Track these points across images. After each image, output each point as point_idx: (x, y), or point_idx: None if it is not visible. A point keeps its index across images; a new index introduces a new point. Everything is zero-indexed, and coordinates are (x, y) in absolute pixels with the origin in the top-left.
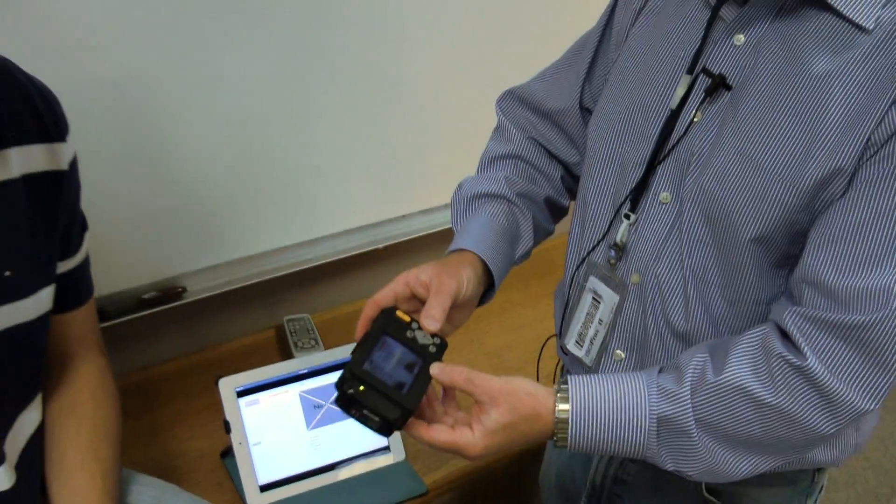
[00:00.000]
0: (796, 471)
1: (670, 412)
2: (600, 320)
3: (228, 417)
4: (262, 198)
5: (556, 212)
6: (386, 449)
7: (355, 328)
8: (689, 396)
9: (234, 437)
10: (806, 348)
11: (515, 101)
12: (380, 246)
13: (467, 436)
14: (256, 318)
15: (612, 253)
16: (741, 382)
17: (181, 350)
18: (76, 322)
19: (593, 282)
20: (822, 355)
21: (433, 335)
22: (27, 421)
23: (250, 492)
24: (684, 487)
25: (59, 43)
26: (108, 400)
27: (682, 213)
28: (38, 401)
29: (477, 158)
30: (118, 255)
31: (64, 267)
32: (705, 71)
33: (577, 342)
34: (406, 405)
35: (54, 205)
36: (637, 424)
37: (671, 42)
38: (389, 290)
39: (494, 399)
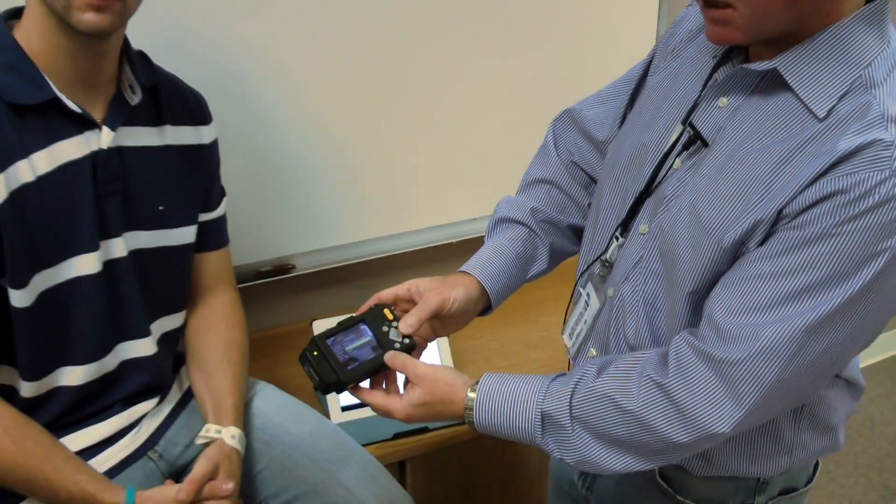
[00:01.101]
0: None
1: (551, 409)
2: (585, 321)
3: None
4: (362, 194)
5: (581, 234)
6: None
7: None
8: (568, 397)
9: None
10: (673, 370)
11: (570, 123)
12: (452, 241)
13: (395, 402)
14: (351, 296)
15: (603, 267)
16: (608, 391)
17: (288, 318)
18: (214, 261)
19: (589, 287)
20: (689, 379)
21: (405, 336)
22: (171, 321)
23: (334, 410)
24: (643, 473)
25: (198, 42)
26: (237, 324)
27: (647, 247)
28: (181, 314)
29: None
30: (243, 235)
31: (205, 217)
32: (690, 125)
33: (569, 335)
34: (341, 377)
35: (197, 169)
36: (525, 417)
37: (678, 90)
38: (393, 291)
39: (419, 381)
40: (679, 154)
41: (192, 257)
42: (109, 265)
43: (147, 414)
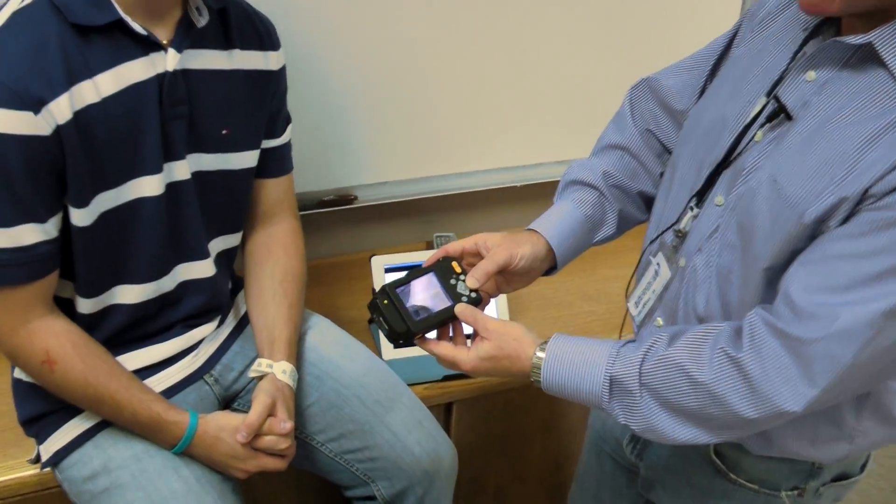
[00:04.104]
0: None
1: (620, 374)
2: (654, 290)
3: (376, 286)
4: (429, 129)
5: (650, 203)
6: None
7: None
8: (638, 363)
9: None
10: (748, 345)
11: (648, 91)
12: (517, 184)
13: (462, 353)
14: (411, 231)
15: (675, 237)
16: (680, 361)
17: (348, 247)
18: (277, 188)
19: (659, 257)
20: (763, 355)
21: (471, 290)
22: (228, 240)
23: (386, 346)
24: (698, 447)
25: None
26: (296, 253)
27: (723, 218)
28: (238, 235)
29: None
30: (308, 163)
31: (269, 144)
32: (775, 97)
33: (635, 303)
34: (411, 327)
35: (264, 95)
36: (593, 379)
37: (764, 62)
38: (460, 244)
39: (489, 335)
40: (762, 126)
41: (251, 181)
42: (172, 187)
43: (206, 338)
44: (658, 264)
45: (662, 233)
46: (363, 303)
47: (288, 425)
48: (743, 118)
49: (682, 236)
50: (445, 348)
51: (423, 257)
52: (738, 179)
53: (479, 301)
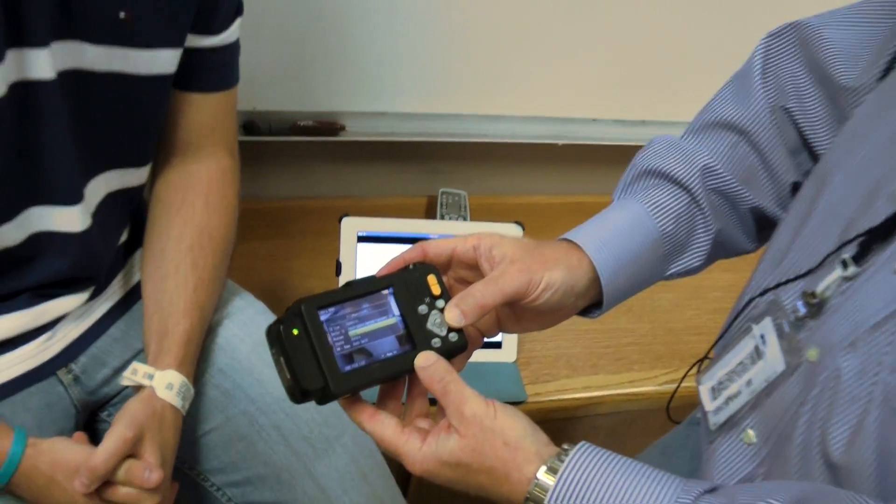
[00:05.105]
0: None
1: None
2: (749, 382)
3: (342, 258)
4: (445, 54)
5: (767, 225)
6: (497, 345)
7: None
8: None
9: (342, 281)
10: None
11: (796, 45)
12: (558, 142)
13: (412, 446)
14: (411, 182)
15: (804, 304)
16: None
17: (325, 191)
18: (207, 109)
19: (765, 326)
20: None
21: (451, 330)
22: (120, 179)
23: None
24: None
25: None
26: (221, 207)
27: None
28: (137, 172)
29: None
30: (284, 75)
31: (199, 42)
32: None
33: (712, 387)
34: (331, 383)
35: None
36: None
37: None
38: (449, 245)
39: (464, 425)
40: None
41: (166, 95)
42: (20, 90)
43: (68, 315)
44: (762, 339)
45: (778, 286)
46: (328, 271)
47: (154, 476)
48: None
49: (815, 306)
50: (386, 429)
51: (412, 228)
52: None
53: (460, 348)
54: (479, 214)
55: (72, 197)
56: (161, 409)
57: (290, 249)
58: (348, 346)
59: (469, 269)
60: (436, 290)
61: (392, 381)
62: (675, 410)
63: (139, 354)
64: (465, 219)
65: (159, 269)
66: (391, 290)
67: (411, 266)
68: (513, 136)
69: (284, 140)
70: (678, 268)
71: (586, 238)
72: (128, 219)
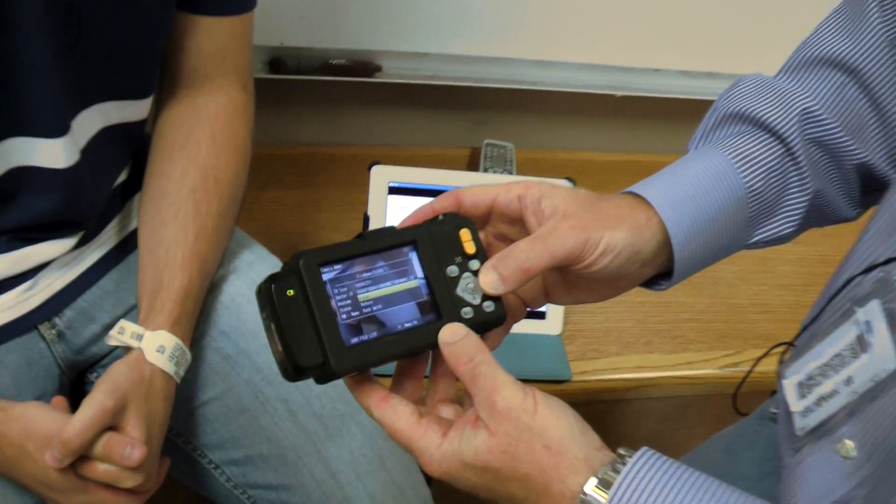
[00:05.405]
0: None
1: None
2: (849, 379)
3: (370, 212)
4: None
5: (875, 185)
6: (541, 315)
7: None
8: None
9: None
10: None
11: None
12: (616, 93)
13: (430, 441)
14: (451, 130)
15: None
16: None
17: (357, 138)
18: (217, 35)
19: (872, 311)
20: None
21: (486, 297)
22: (118, 112)
23: None
24: None
25: None
26: (231, 147)
27: None
28: (140, 105)
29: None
30: (313, 7)
31: None
32: None
33: (801, 383)
34: (332, 360)
35: None
36: None
37: None
38: (489, 193)
39: (494, 421)
40: None
41: (169, 16)
42: None
43: (53, 262)
44: (868, 327)
45: (890, 261)
46: (357, 225)
47: (136, 454)
48: None
49: None
50: (400, 418)
51: (450, 180)
52: None
53: (496, 321)
54: (525, 170)
55: (56, 129)
56: (149, 376)
57: (317, 200)
58: (356, 314)
59: (511, 225)
60: (469, 248)
61: (409, 358)
62: (740, 399)
63: (133, 310)
64: (510, 174)
65: (157, 214)
66: (414, 245)
67: (441, 217)
68: (566, 84)
69: (314, 80)
70: (765, 234)
71: (657, 193)
72: (127, 158)
